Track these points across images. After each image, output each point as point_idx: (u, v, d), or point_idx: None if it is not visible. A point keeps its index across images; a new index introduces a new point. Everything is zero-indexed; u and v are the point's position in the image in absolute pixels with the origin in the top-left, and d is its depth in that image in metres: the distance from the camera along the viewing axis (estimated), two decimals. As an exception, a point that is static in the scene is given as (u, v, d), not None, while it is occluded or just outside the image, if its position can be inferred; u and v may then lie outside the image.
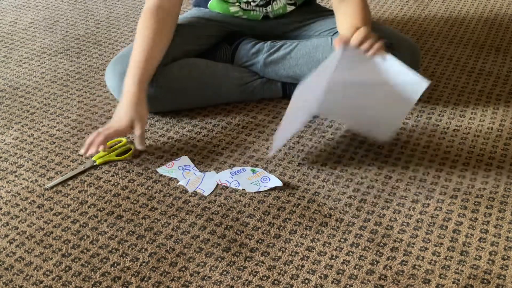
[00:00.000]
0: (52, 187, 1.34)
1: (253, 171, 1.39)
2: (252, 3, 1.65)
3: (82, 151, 1.40)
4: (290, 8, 1.70)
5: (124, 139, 1.48)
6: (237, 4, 1.66)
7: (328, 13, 1.74)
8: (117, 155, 1.45)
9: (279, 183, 1.35)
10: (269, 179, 1.36)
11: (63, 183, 1.37)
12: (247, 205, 1.31)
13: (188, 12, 1.78)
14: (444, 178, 1.38)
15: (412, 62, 1.58)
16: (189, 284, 1.12)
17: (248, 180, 1.36)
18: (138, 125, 1.43)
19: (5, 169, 1.44)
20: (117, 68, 1.56)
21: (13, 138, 1.55)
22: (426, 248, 1.19)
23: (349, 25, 1.42)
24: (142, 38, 1.50)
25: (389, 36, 1.59)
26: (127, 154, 1.45)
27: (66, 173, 1.40)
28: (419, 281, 1.12)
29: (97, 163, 1.43)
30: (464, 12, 2.21)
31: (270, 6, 1.66)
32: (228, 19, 1.71)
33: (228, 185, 1.35)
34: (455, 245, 1.20)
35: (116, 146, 1.47)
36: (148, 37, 1.50)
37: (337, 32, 1.64)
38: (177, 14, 1.58)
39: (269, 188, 1.34)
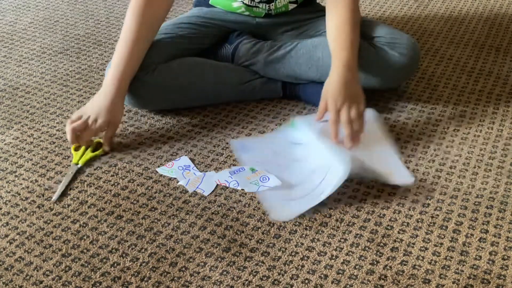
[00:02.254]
0: (59, 198, 1.34)
1: (252, 170, 1.39)
2: (256, 0, 1.65)
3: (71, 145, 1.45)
4: (292, 6, 1.70)
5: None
6: (240, 0, 1.66)
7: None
8: (92, 151, 1.46)
9: (278, 182, 1.35)
10: (268, 179, 1.36)
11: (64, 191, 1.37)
12: (247, 205, 1.31)
13: (189, 11, 1.79)
14: (444, 178, 1.38)
15: (412, 60, 1.58)
16: (189, 284, 1.12)
17: (247, 179, 1.36)
18: (111, 128, 1.47)
19: (5, 169, 1.44)
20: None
21: (13, 138, 1.55)
22: (426, 248, 1.19)
23: (332, 49, 1.48)
24: (129, 30, 1.51)
25: (389, 34, 1.59)
26: (99, 150, 1.47)
27: (61, 182, 1.38)
28: (419, 281, 1.12)
29: (81, 165, 1.43)
30: (464, 12, 2.21)
31: (273, 4, 1.66)
32: (229, 17, 1.71)
33: (228, 185, 1.35)
34: (455, 245, 1.20)
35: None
36: (134, 31, 1.50)
37: None
38: (166, 8, 1.58)
39: (268, 187, 1.34)
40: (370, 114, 1.52)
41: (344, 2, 1.51)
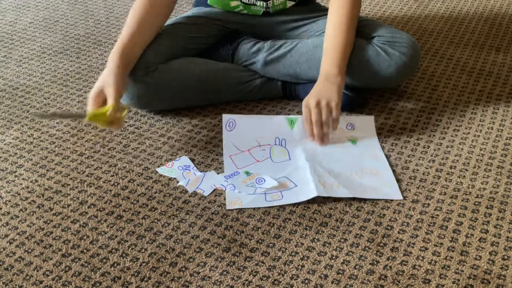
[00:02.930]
0: (41, 116, 1.27)
1: (247, 173, 1.38)
2: None
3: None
4: (290, 4, 1.70)
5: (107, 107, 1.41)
6: None
7: (327, 12, 1.74)
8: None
9: (274, 183, 1.35)
10: (264, 180, 1.36)
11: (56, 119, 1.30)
12: (247, 205, 1.31)
13: (189, 11, 1.79)
14: (444, 178, 1.38)
15: (413, 59, 1.58)
16: (189, 284, 1.12)
17: (243, 183, 1.36)
18: (114, 96, 1.39)
19: (5, 169, 1.44)
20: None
21: (13, 138, 1.55)
22: (426, 248, 1.19)
23: (324, 51, 1.53)
24: (134, 17, 1.52)
25: (389, 33, 1.59)
26: (106, 108, 1.38)
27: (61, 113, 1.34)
28: (419, 281, 1.12)
29: (87, 119, 1.37)
30: (464, 12, 2.21)
31: (270, 1, 1.66)
32: (228, 16, 1.72)
33: (224, 189, 1.35)
34: (455, 245, 1.20)
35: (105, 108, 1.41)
36: (139, 17, 1.52)
37: None
38: (172, 2, 1.60)
39: (265, 189, 1.34)
40: (369, 121, 1.53)
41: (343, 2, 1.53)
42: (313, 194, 1.29)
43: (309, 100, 1.46)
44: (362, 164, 1.41)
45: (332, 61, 1.50)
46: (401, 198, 1.32)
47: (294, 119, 1.50)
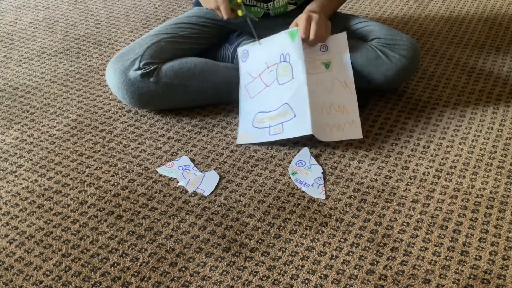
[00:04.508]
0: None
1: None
2: None
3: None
4: (291, 7, 1.70)
5: None
6: None
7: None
8: None
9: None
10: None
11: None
12: (247, 205, 1.31)
13: (189, 11, 1.78)
14: (444, 178, 1.38)
15: (413, 61, 1.58)
16: (189, 284, 1.12)
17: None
18: None
19: (5, 169, 1.44)
20: (117, 66, 1.56)
21: (13, 138, 1.55)
22: (426, 248, 1.19)
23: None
24: None
25: (388, 35, 1.59)
26: None
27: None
28: (419, 281, 1.12)
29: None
30: (464, 12, 2.21)
31: (271, 3, 1.66)
32: None
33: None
34: (455, 245, 1.20)
35: None
36: None
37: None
38: None
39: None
40: (342, 37, 1.59)
41: None
42: (309, 131, 1.43)
43: (299, 18, 1.56)
44: (332, 100, 1.51)
45: (318, 7, 1.61)
46: (361, 137, 1.48)
47: (295, 31, 1.55)
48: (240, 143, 1.49)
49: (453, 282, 1.12)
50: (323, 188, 1.34)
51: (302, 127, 1.44)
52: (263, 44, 1.60)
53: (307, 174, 1.39)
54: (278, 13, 1.70)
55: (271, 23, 1.71)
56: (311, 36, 1.54)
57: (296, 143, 1.50)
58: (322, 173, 1.39)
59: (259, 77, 1.57)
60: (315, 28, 1.54)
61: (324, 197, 1.32)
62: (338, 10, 1.73)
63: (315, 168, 1.41)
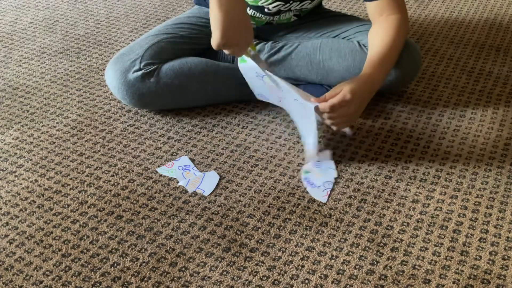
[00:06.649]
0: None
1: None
2: (265, 9, 1.62)
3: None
4: (294, 19, 1.70)
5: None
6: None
7: (330, 14, 1.74)
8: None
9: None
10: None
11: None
12: (247, 205, 1.31)
13: (189, 10, 1.78)
14: (444, 178, 1.38)
15: (413, 62, 1.58)
16: (189, 284, 1.12)
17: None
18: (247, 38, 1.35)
19: (5, 169, 1.44)
20: (117, 66, 1.56)
21: (13, 138, 1.55)
22: (426, 248, 1.19)
23: (366, 65, 1.44)
24: None
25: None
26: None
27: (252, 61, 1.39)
28: (419, 281, 1.12)
29: (252, 50, 1.41)
30: (464, 12, 2.21)
31: (277, 16, 1.65)
32: None
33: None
34: (455, 245, 1.20)
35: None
36: None
37: (338, 34, 1.63)
38: None
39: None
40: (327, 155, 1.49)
41: (395, 24, 1.50)
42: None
43: (346, 93, 1.35)
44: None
45: (377, 69, 1.44)
46: (315, 155, 1.42)
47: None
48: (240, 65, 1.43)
49: (453, 282, 1.12)
50: (328, 192, 1.34)
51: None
52: (283, 88, 1.45)
53: (319, 175, 1.38)
54: (281, 23, 1.70)
55: (273, 29, 1.71)
56: (334, 128, 1.42)
57: (296, 143, 1.50)
58: (335, 178, 1.38)
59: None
60: (344, 119, 1.39)
61: (325, 200, 1.31)
62: (338, 10, 1.73)
63: (330, 172, 1.40)
